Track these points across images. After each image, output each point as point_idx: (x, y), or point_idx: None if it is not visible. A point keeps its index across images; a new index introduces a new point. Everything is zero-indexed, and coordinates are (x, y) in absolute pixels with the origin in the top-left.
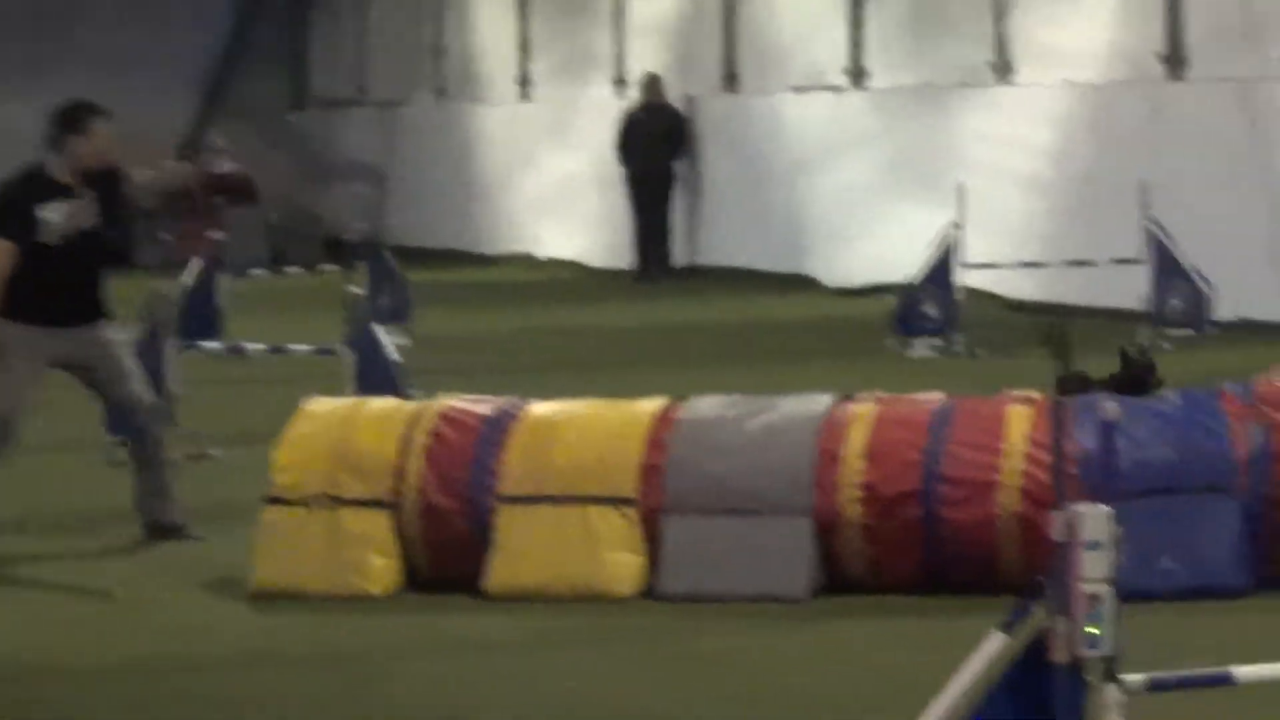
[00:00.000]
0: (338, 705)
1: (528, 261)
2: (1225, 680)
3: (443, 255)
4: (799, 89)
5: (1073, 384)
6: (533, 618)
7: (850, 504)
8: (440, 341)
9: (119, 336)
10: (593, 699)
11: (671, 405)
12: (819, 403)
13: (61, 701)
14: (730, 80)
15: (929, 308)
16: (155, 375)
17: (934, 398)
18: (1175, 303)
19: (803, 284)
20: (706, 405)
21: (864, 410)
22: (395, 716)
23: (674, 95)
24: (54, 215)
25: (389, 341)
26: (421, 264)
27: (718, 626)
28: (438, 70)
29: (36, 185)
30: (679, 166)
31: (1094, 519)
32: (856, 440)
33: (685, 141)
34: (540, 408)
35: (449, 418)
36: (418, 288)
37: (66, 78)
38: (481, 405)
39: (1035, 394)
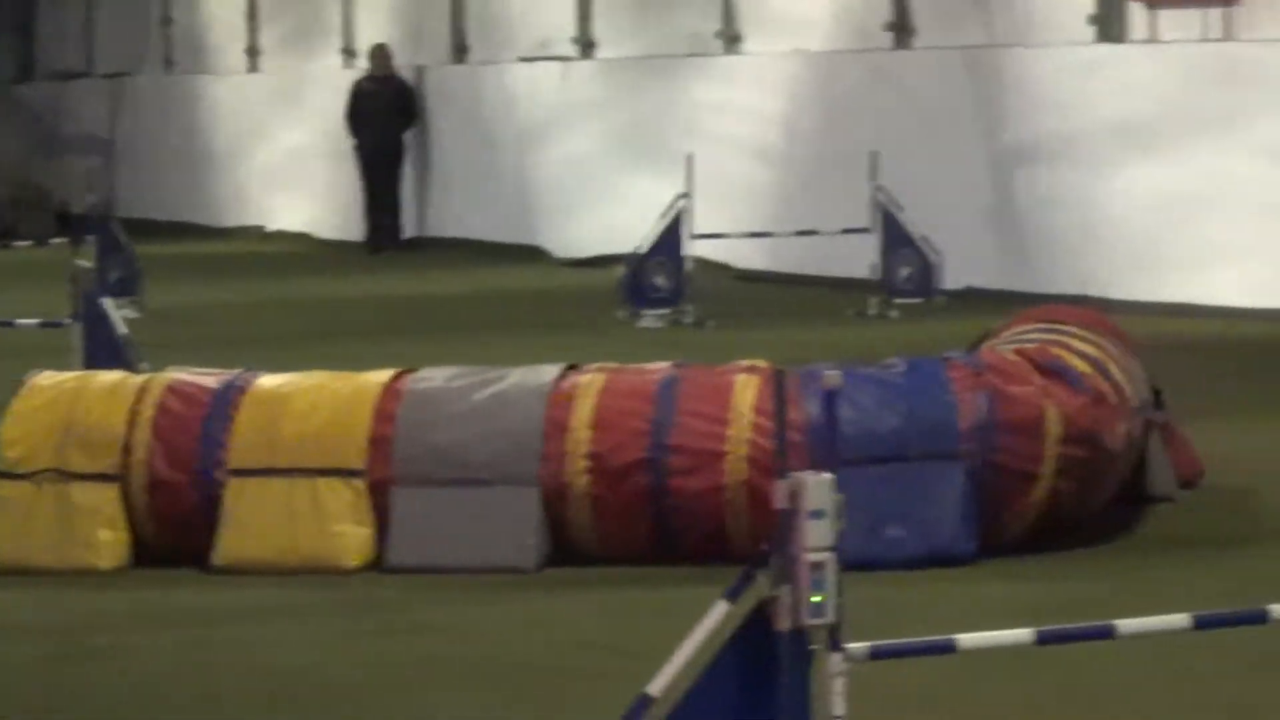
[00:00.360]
0: (55, 677)
1: (258, 234)
2: (948, 648)
3: (172, 227)
4: (527, 59)
5: None
6: (260, 590)
7: (578, 474)
8: (170, 314)
9: None
10: (312, 670)
11: (400, 376)
12: (547, 373)
13: None
14: (459, 51)
15: (658, 278)
16: None
17: (661, 367)
18: (904, 271)
19: (532, 255)
20: (434, 376)
21: (591, 380)
22: (115, 688)
23: (403, 66)
24: None
25: (117, 315)
26: (151, 236)
27: (444, 598)
28: (166, 40)
29: None
30: (408, 138)
31: (816, 487)
32: (584, 410)
33: (414, 113)
34: (268, 380)
35: (176, 390)
36: (147, 260)
37: None
38: (209, 378)
39: (762, 363)
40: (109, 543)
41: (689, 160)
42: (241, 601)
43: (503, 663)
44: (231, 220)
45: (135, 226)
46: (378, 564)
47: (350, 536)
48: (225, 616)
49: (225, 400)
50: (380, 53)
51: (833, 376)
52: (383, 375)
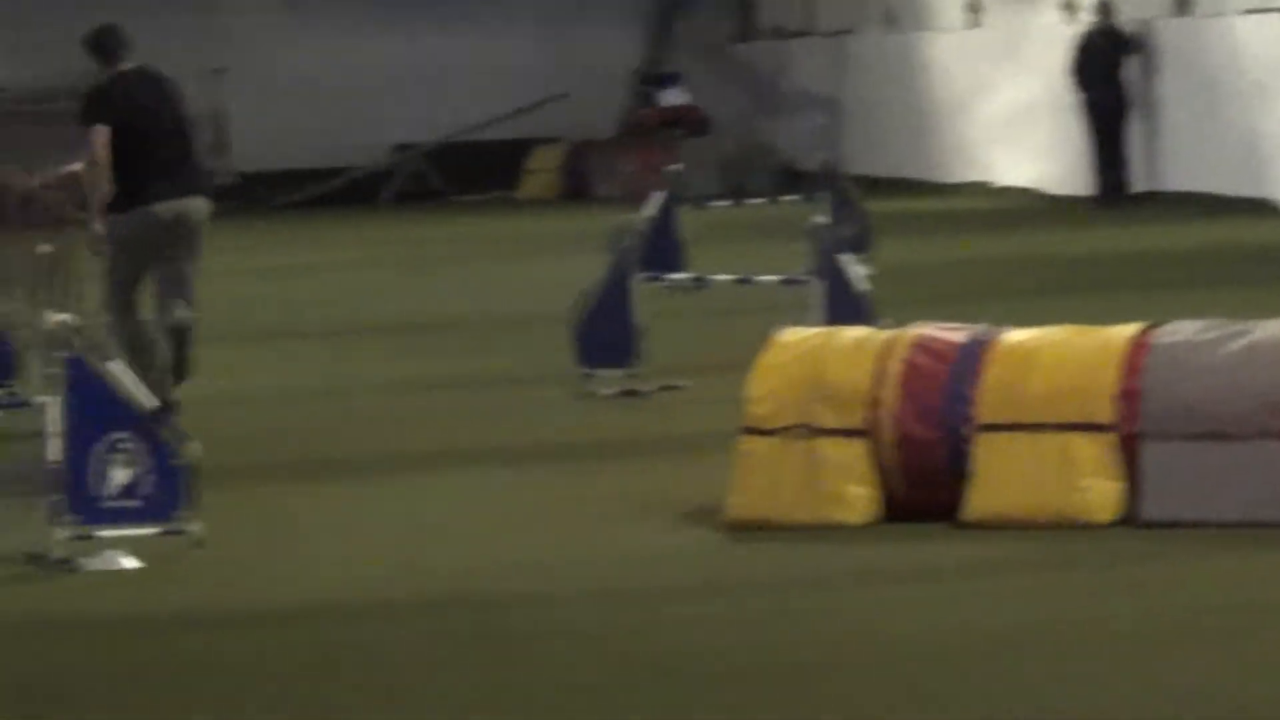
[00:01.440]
0: (797, 628)
1: (983, 189)
2: None
3: (897, 184)
4: (1253, 10)
5: None
6: (1008, 545)
7: None
8: (901, 271)
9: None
10: (1059, 621)
11: (1146, 330)
12: None
13: (525, 627)
14: (1182, 4)
15: None
16: (621, 307)
17: None
18: None
19: (1260, 208)
20: (1182, 329)
21: None
22: (853, 641)
23: (1124, 19)
24: None
25: (856, 271)
26: (877, 193)
27: (1195, 551)
28: None
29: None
30: (1133, 90)
31: None
32: None
33: (1137, 65)
34: (1013, 335)
35: (923, 346)
36: (875, 217)
37: (515, 8)
38: (954, 333)
39: None
40: (858, 498)
41: None
42: (989, 556)
43: (1255, 618)
44: (956, 176)
45: (861, 183)
46: (1128, 519)
47: (1099, 491)
48: (972, 571)
49: (972, 355)
50: (1105, 6)
51: None
52: (1128, 329)
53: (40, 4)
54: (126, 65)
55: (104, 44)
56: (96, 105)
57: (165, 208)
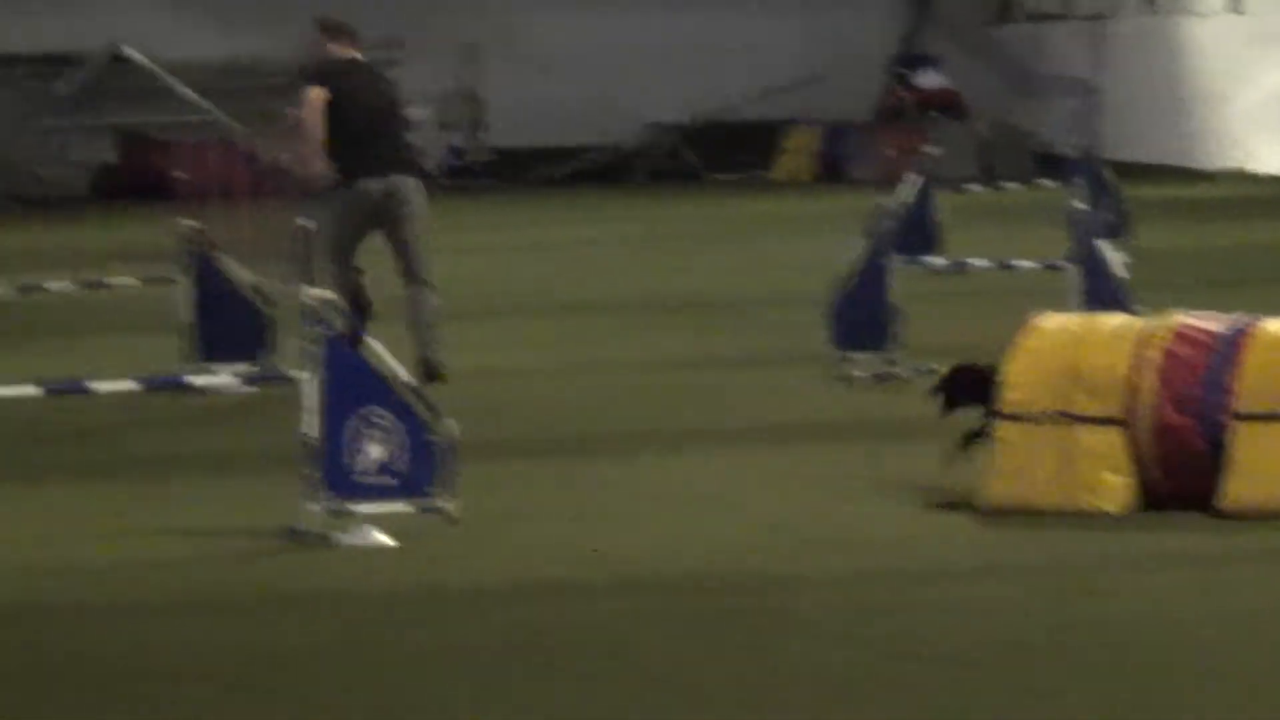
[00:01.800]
0: (1052, 615)
1: (1242, 176)
2: None
3: (1154, 170)
4: None
5: None
6: (1265, 534)
7: None
8: (1159, 257)
9: None
10: None
11: None
12: None
13: (776, 608)
14: None
15: None
16: (877, 290)
17: None
18: None
19: None
20: None
21: None
22: (1109, 628)
23: None
24: None
25: (1114, 257)
26: (1134, 178)
27: None
28: None
29: None
30: None
31: None
32: None
33: None
34: (1273, 324)
35: (1182, 334)
36: (1133, 203)
37: None
38: (1213, 321)
39: None
40: (1114, 486)
41: None
42: (1247, 546)
43: None
44: (1214, 163)
45: (1118, 169)
46: None
47: None
48: (1229, 560)
49: (1231, 344)
50: None
51: None
52: None
53: None
54: (348, 53)
55: (334, 27)
56: (313, 74)
57: (376, 184)
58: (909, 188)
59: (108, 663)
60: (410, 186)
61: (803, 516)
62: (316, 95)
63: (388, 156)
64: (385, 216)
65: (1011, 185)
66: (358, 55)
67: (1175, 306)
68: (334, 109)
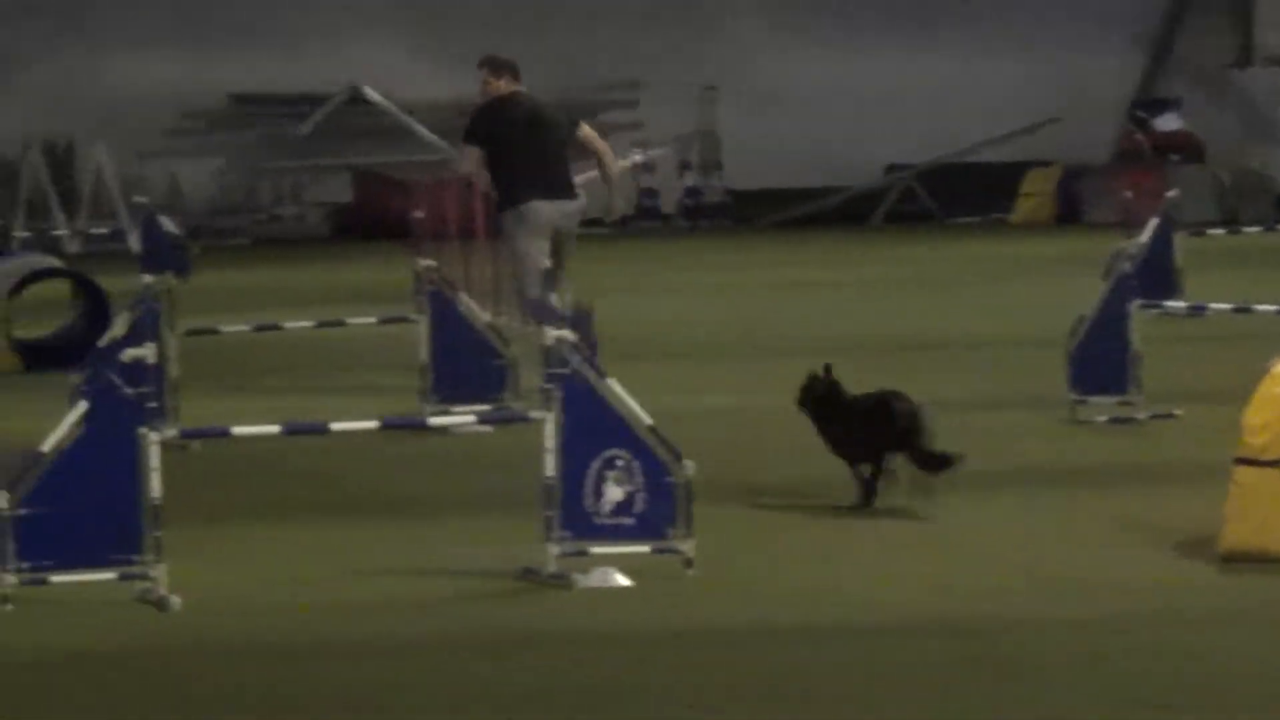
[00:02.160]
0: None
1: None
2: None
3: None
4: None
5: None
6: None
7: None
8: None
9: None
10: None
11: None
12: None
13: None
14: None
15: None
16: (1117, 334)
17: None
18: None
19: None
20: None
21: None
22: None
23: None
24: None
25: None
26: None
27: None
28: None
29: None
30: None
31: None
32: None
33: None
34: None
35: None
36: None
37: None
38: None
39: None
40: None
41: None
42: None
43: None
44: None
45: None
46: None
47: None
48: None
49: None
50: None
51: None
52: None
53: (533, 22)
54: (511, 88)
55: (498, 64)
56: (475, 124)
57: (542, 207)
58: (1148, 231)
59: (351, 703)
60: (574, 211)
61: (1039, 560)
62: (472, 154)
63: (553, 183)
64: (552, 237)
65: (1252, 229)
66: (519, 89)
67: None
68: (497, 143)
